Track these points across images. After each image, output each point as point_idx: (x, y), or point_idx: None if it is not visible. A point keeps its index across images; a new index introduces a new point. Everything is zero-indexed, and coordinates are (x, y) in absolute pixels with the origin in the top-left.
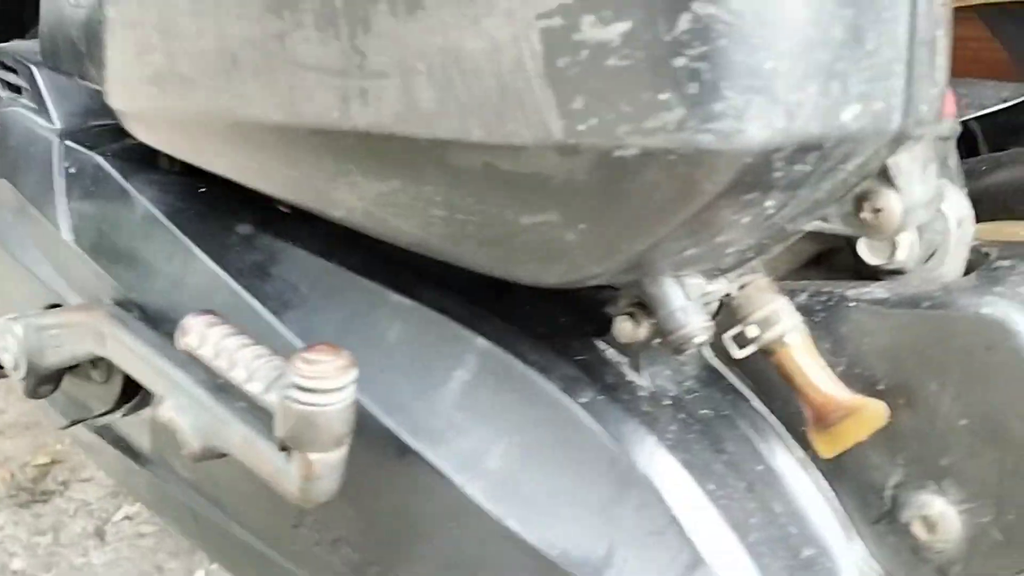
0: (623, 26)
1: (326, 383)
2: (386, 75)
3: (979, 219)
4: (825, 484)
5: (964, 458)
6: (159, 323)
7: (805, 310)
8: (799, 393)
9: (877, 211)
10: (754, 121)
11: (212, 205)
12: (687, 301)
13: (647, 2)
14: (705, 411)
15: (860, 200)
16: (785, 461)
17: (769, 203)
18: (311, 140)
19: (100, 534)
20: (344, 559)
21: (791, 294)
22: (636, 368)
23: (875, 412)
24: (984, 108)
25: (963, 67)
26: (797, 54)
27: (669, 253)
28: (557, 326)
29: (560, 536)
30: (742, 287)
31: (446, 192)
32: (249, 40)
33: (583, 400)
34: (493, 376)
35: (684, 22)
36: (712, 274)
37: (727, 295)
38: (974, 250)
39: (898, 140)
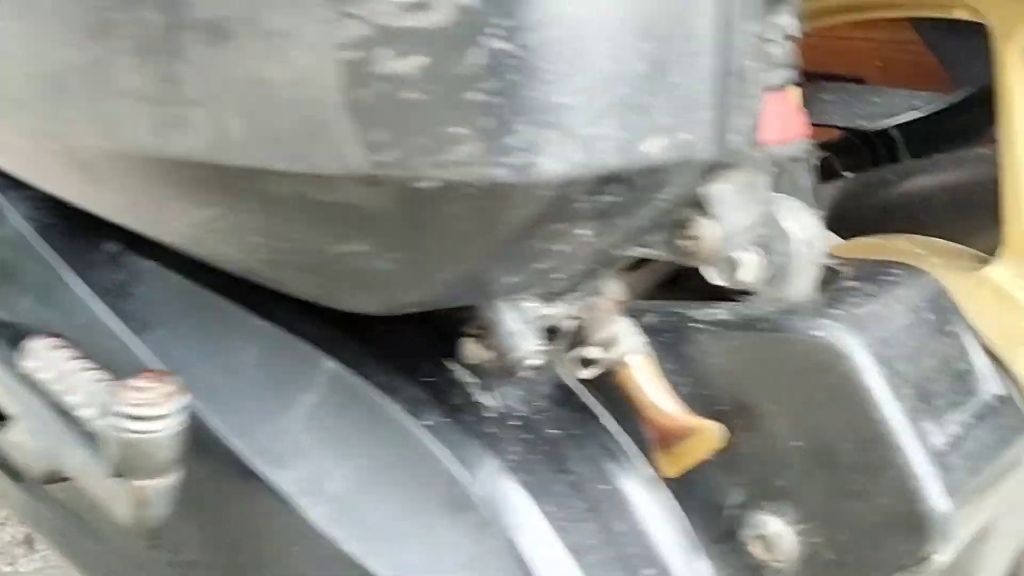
0: (419, 60)
1: (151, 410)
2: (198, 104)
3: (888, 230)
4: (673, 503)
5: (798, 479)
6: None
7: (652, 331)
8: (640, 413)
9: (694, 238)
10: (548, 155)
11: (83, 222)
12: (521, 325)
13: (441, 37)
14: (553, 431)
15: (678, 227)
16: (632, 480)
17: (583, 232)
18: (135, 166)
19: (29, 542)
20: None
21: (640, 314)
22: (487, 388)
23: (712, 433)
24: (894, 116)
25: (901, 70)
26: (592, 89)
27: (486, 281)
28: (410, 346)
29: (396, 560)
30: (586, 308)
31: (263, 220)
32: (73, 65)
33: (427, 422)
34: (340, 398)
35: (476, 57)
36: (548, 297)
37: (571, 317)
38: (830, 269)
39: (710, 170)
